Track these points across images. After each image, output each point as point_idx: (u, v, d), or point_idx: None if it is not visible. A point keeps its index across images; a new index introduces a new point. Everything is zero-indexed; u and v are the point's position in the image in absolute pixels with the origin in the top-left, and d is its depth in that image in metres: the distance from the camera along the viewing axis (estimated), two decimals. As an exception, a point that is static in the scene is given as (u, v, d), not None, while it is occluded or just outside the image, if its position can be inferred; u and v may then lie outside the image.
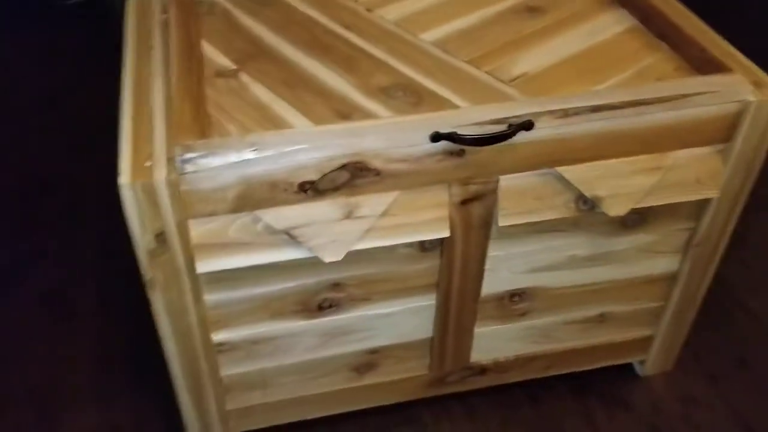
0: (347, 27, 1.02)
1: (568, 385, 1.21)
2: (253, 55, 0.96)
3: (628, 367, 1.23)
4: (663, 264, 1.05)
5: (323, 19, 1.04)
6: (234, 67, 0.94)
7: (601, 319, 1.11)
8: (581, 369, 1.18)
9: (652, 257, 1.04)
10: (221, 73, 0.93)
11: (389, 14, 1.06)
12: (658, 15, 1.01)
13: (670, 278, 1.08)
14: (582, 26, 1.02)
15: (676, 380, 1.22)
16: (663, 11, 1.02)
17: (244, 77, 0.92)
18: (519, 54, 0.97)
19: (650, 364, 1.20)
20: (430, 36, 1.00)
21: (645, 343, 1.16)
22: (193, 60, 0.92)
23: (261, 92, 0.89)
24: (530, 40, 1.00)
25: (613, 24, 1.03)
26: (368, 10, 1.07)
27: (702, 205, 0.98)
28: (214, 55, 0.96)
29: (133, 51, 0.97)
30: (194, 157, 0.76)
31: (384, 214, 0.86)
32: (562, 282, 1.03)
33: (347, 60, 0.95)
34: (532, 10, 1.06)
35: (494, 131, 0.82)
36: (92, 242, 1.45)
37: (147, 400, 1.17)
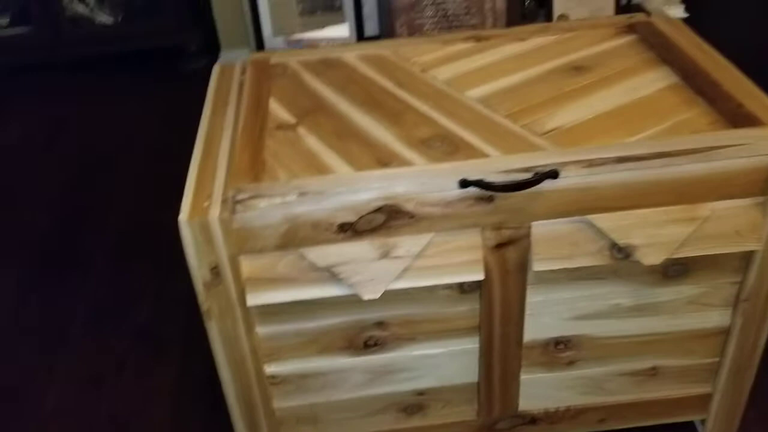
0: (400, 85, 1.11)
1: (625, 442, 1.19)
2: (312, 111, 1.06)
3: (690, 426, 1.20)
4: (714, 318, 1.04)
5: (380, 79, 1.13)
6: (294, 121, 1.04)
7: (654, 372, 1.09)
8: (636, 425, 1.16)
9: (701, 310, 1.03)
10: (281, 126, 1.03)
11: (442, 74, 1.14)
12: (699, 72, 1.03)
13: (723, 333, 1.05)
14: (624, 83, 1.06)
15: (742, 444, 1.17)
16: (704, 68, 1.04)
17: (301, 130, 1.02)
18: (557, 109, 1.01)
19: (712, 424, 1.16)
20: (475, 93, 1.07)
21: (703, 401, 1.13)
22: (258, 114, 1.03)
23: (313, 143, 0.99)
24: (571, 96, 1.04)
25: (656, 81, 1.06)
26: (423, 70, 1.15)
27: (747, 258, 0.97)
28: (278, 110, 1.07)
29: (210, 106, 1.10)
30: (245, 198, 0.86)
31: (419, 255, 0.91)
32: (607, 331, 1.04)
33: (395, 114, 1.04)
34: (578, 69, 1.11)
35: (520, 179, 0.86)
36: (186, 282, 1.59)
37: (215, 428, 1.26)
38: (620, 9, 2.34)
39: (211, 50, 2.72)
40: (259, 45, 2.53)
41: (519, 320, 1.01)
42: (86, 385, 1.38)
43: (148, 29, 2.68)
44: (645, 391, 1.11)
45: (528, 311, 1.00)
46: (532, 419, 1.13)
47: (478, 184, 0.86)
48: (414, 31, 2.34)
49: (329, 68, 1.19)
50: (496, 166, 0.87)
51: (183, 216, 0.86)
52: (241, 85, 1.16)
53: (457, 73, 1.13)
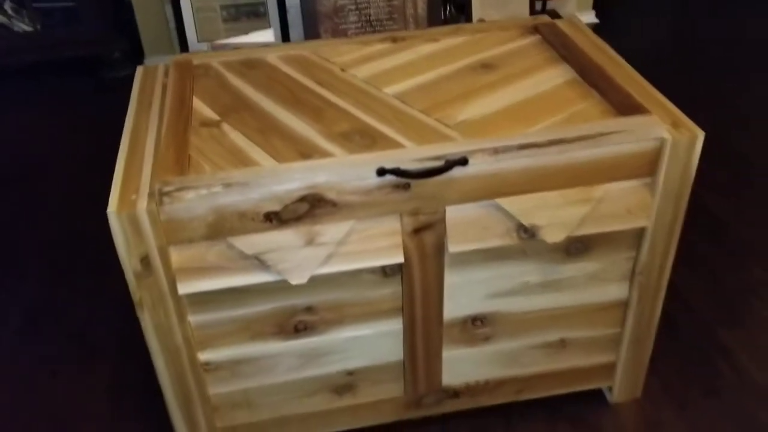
0: (321, 84, 1.17)
1: (542, 411, 1.28)
2: (236, 109, 1.11)
3: (600, 395, 1.30)
4: (613, 291, 1.14)
5: (301, 78, 1.19)
6: (217, 118, 1.09)
7: (563, 344, 1.19)
8: (550, 394, 1.25)
9: (601, 284, 1.12)
10: (205, 123, 1.08)
11: (360, 73, 1.20)
12: (594, 68, 1.13)
13: (622, 305, 1.16)
14: (527, 80, 1.15)
15: (645, 408, 1.28)
16: (599, 64, 1.14)
17: (225, 126, 1.07)
18: (467, 104, 1.09)
19: (617, 390, 1.26)
20: (392, 90, 1.14)
21: (608, 369, 1.23)
22: (182, 112, 1.07)
23: (237, 138, 1.04)
24: (479, 92, 1.13)
25: (555, 77, 1.15)
26: (342, 69, 1.22)
27: (639, 234, 1.07)
28: (202, 108, 1.12)
29: (135, 106, 1.13)
30: (171, 191, 0.90)
31: (342, 241, 0.98)
32: (519, 307, 1.13)
33: (316, 111, 1.10)
34: (486, 67, 1.20)
35: (433, 166, 0.94)
36: (120, 286, 1.60)
37: (152, 422, 1.29)
38: (535, 15, 2.47)
39: (135, 58, 2.72)
40: (184, 51, 2.54)
41: (438, 300, 1.08)
42: (22, 386, 1.38)
43: (69, 37, 2.64)
44: (556, 362, 1.21)
45: (446, 291, 1.08)
46: (455, 393, 1.21)
47: (395, 172, 0.93)
48: (338, 36, 2.40)
49: (251, 68, 1.24)
50: (410, 156, 0.94)
51: (111, 209, 0.90)
52: (164, 86, 1.19)
53: (375, 72, 1.20)
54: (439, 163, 0.94)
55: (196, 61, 1.25)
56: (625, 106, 1.04)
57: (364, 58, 1.25)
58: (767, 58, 2.48)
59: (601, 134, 0.97)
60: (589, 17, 2.86)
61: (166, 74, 1.23)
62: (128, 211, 0.90)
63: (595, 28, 2.75)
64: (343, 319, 1.08)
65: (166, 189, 0.90)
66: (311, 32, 2.40)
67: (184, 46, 2.54)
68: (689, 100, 2.15)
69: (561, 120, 1.04)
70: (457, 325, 1.12)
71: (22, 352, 1.46)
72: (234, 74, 1.22)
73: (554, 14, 2.46)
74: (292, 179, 0.92)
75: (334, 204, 0.95)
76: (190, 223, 0.92)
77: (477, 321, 1.13)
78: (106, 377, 1.39)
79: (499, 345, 1.16)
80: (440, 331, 1.12)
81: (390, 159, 0.94)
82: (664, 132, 0.99)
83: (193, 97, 1.15)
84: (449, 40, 1.30)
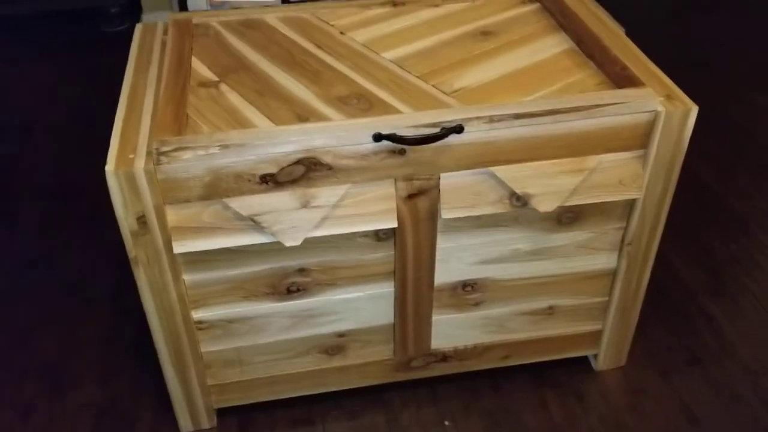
0: (320, 46, 1.17)
1: (528, 376, 1.31)
2: (234, 69, 1.11)
3: (585, 361, 1.33)
4: (601, 261, 1.16)
5: (300, 40, 1.19)
6: (216, 79, 1.09)
7: (551, 311, 1.21)
8: (537, 360, 1.28)
9: (590, 254, 1.14)
10: (204, 84, 1.08)
11: (359, 36, 1.20)
12: (591, 37, 1.13)
13: (610, 275, 1.18)
14: (525, 48, 1.15)
15: (629, 374, 1.31)
16: (596, 34, 1.14)
17: (223, 87, 1.07)
18: (465, 70, 1.10)
19: (602, 358, 1.29)
20: (390, 55, 1.14)
21: (594, 337, 1.26)
22: (181, 72, 1.07)
23: (235, 99, 1.04)
24: (478, 59, 1.13)
25: (553, 46, 1.15)
26: (341, 33, 1.21)
27: (630, 205, 1.09)
28: (200, 68, 1.12)
29: (133, 65, 1.13)
30: (168, 150, 0.91)
31: (337, 204, 0.99)
32: (509, 274, 1.15)
33: (314, 73, 1.10)
34: (486, 34, 1.20)
35: (429, 133, 0.94)
36: (114, 238, 1.61)
37: (145, 377, 1.31)
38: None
39: (133, 12, 2.69)
40: (183, 8, 2.52)
41: (430, 265, 1.10)
42: (15, 336, 1.40)
43: (65, -11, 2.61)
44: (543, 329, 1.23)
45: (438, 257, 1.10)
46: (444, 357, 1.23)
47: (391, 138, 0.94)
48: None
49: (251, 29, 1.23)
50: (407, 122, 0.95)
51: (109, 167, 0.90)
52: (163, 44, 1.19)
53: (374, 36, 1.20)
54: (435, 130, 0.95)
55: (195, 20, 1.25)
56: (620, 77, 1.04)
57: (364, 21, 1.24)
58: (768, 32, 2.47)
59: (596, 106, 0.97)
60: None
61: (165, 32, 1.22)
62: (126, 169, 0.90)
63: (598, -4, 2.72)
64: (336, 281, 1.10)
65: (164, 149, 0.91)
66: (311, -8, 2.37)
67: (182, 3, 2.51)
68: (686, 70, 2.15)
69: (557, 90, 1.04)
70: (447, 289, 1.14)
71: (16, 302, 1.48)
72: (233, 34, 1.21)
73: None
74: (289, 142, 0.93)
75: (329, 168, 0.96)
76: (187, 182, 0.93)
77: (467, 286, 1.15)
78: (100, 329, 1.42)
79: (488, 310, 1.18)
80: (431, 295, 1.14)
81: (386, 125, 0.95)
82: (658, 105, 0.99)
83: (192, 56, 1.15)
84: (450, 5, 1.29)
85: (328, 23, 1.24)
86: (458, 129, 0.95)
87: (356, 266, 1.08)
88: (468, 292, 1.15)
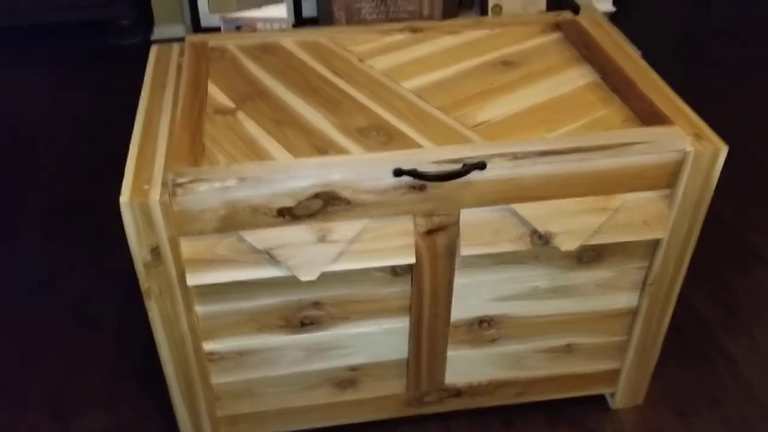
0: (338, 74, 1.15)
1: (542, 413, 1.27)
2: (251, 96, 1.09)
3: (601, 399, 1.30)
4: (623, 300, 1.13)
5: (318, 66, 1.17)
6: (233, 106, 1.07)
7: (569, 349, 1.18)
8: (552, 397, 1.25)
9: (611, 292, 1.12)
10: (220, 111, 1.06)
11: (378, 64, 1.18)
12: (616, 71, 1.11)
13: (631, 314, 1.15)
14: (548, 80, 1.13)
15: (646, 415, 1.28)
16: (621, 67, 1.12)
17: (240, 115, 1.05)
18: (486, 103, 1.07)
19: (619, 397, 1.26)
20: (410, 84, 1.12)
21: (612, 375, 1.23)
22: (197, 98, 1.05)
23: (252, 128, 1.02)
24: (499, 91, 1.11)
25: (576, 78, 1.13)
26: (360, 60, 1.19)
27: (653, 245, 1.06)
28: (217, 94, 1.10)
29: (149, 88, 1.11)
30: (185, 182, 0.88)
31: (355, 239, 0.96)
32: (527, 311, 1.12)
33: (332, 102, 1.08)
34: (507, 64, 1.17)
35: (450, 169, 0.92)
36: (119, 259, 1.59)
37: (150, 405, 1.29)
38: (552, 1, 2.43)
39: (144, 25, 2.68)
40: (195, 22, 2.51)
41: (447, 301, 1.07)
42: (19, 360, 1.37)
43: (77, 0, 2.60)
44: (560, 367, 1.20)
45: (455, 293, 1.07)
46: (457, 392, 1.20)
47: (412, 173, 0.91)
48: (352, 14, 2.37)
49: (267, 53, 1.21)
50: (428, 157, 0.93)
51: (124, 198, 0.88)
52: (179, 67, 1.17)
53: (393, 64, 1.18)
54: (457, 167, 0.92)
55: (211, 43, 1.23)
56: (647, 114, 1.02)
57: (383, 48, 1.22)
58: (785, 60, 2.45)
59: (623, 144, 0.95)
60: (606, 5, 2.82)
61: (181, 54, 1.21)
62: (140, 200, 0.88)
63: (612, 17, 2.71)
64: (350, 315, 1.07)
65: (180, 180, 0.89)
66: (324, 9, 2.37)
67: (195, 17, 2.50)
68: (702, 96, 2.12)
69: (582, 126, 1.02)
70: (463, 325, 1.12)
71: (18, 324, 1.45)
72: (250, 59, 1.19)
73: (570, 2, 2.42)
74: (307, 176, 0.91)
75: (348, 202, 0.93)
76: (202, 215, 0.91)
77: (484, 323, 1.12)
78: (105, 352, 1.39)
79: (504, 347, 1.16)
80: (446, 331, 1.11)
81: (407, 159, 0.93)
82: (687, 144, 0.97)
83: (209, 81, 1.13)
84: (469, 33, 1.27)
85: (346, 49, 1.22)
86: (481, 166, 0.93)
87: (371, 301, 1.06)
88: (485, 329, 1.13)
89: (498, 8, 2.39)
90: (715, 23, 2.69)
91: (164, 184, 0.90)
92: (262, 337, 1.06)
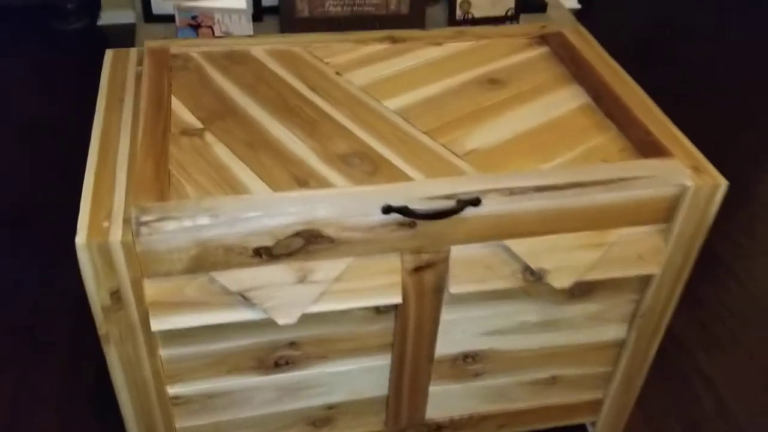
0: (314, 89, 1.06)
1: (521, 442, 1.23)
2: (220, 114, 0.99)
3: (581, 428, 1.26)
4: (611, 332, 1.08)
5: (292, 80, 1.08)
6: (200, 126, 0.97)
7: (553, 381, 1.14)
8: (534, 428, 1.20)
9: (600, 325, 1.07)
10: (186, 132, 0.96)
11: (357, 78, 1.09)
12: (609, 94, 1.06)
13: (618, 345, 1.11)
14: (538, 101, 1.07)
15: (626, 442, 1.25)
16: (614, 91, 1.06)
17: (209, 137, 0.95)
18: (475, 127, 1.00)
19: (601, 425, 1.22)
20: (393, 104, 1.04)
21: (595, 405, 1.19)
22: (160, 116, 0.95)
23: (223, 153, 0.93)
24: (488, 112, 1.04)
25: (568, 100, 1.07)
26: (337, 73, 1.10)
27: (646, 279, 1.02)
28: (182, 112, 1.00)
29: (104, 102, 1.00)
30: (150, 221, 0.79)
31: (337, 279, 0.88)
32: (514, 345, 1.06)
33: (310, 123, 0.99)
34: (494, 82, 1.11)
35: (443, 207, 0.85)
36: (68, 275, 1.47)
37: (104, 443, 1.19)
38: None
39: (91, 9, 2.52)
40: (146, 8, 2.36)
41: (431, 337, 1.01)
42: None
43: (17, -18, 2.43)
44: (543, 398, 1.16)
45: (441, 328, 1.00)
46: (437, 427, 1.14)
47: (402, 211, 0.84)
48: (315, 6, 2.26)
49: (236, 63, 1.11)
50: (419, 192, 0.85)
51: (80, 239, 0.78)
52: (138, 76, 1.07)
53: (372, 79, 1.10)
54: (450, 204, 0.85)
55: (173, 50, 1.12)
56: (644, 144, 0.97)
57: (361, 60, 1.14)
58: (755, 51, 2.45)
59: (623, 179, 0.89)
60: (572, 2, 2.78)
61: (139, 62, 1.10)
62: (99, 241, 0.78)
63: (577, 14, 2.67)
64: (328, 354, 0.99)
65: (145, 218, 0.79)
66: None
67: (146, 4, 2.35)
68: (664, 95, 2.10)
69: (578, 156, 0.96)
70: (447, 361, 1.05)
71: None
72: (216, 69, 1.09)
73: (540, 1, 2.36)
74: (288, 212, 0.82)
75: (331, 240, 0.85)
76: (169, 255, 0.82)
77: (468, 357, 1.06)
78: (57, 378, 1.28)
79: (488, 381, 1.10)
80: (429, 367, 1.05)
81: (396, 194, 0.85)
82: (687, 179, 0.92)
83: (172, 95, 1.02)
84: (452, 44, 1.20)
85: (322, 60, 1.13)
86: (475, 202, 0.86)
87: (351, 339, 0.99)
88: (469, 363, 1.07)
89: (467, 4, 2.32)
90: (680, 20, 2.68)
91: (126, 221, 0.81)
92: (233, 378, 0.98)
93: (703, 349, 1.42)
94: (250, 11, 2.29)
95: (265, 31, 1.93)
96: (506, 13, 2.00)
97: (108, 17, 2.55)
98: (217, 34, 2.14)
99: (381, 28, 1.87)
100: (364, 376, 1.03)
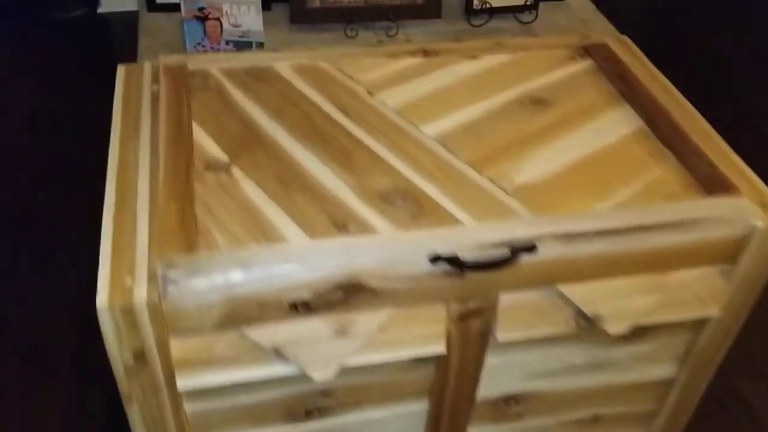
0: (346, 112, 0.98)
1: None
2: (247, 144, 0.91)
3: (619, 460, 1.20)
4: (660, 371, 1.02)
5: (321, 101, 1.00)
6: (226, 159, 0.89)
7: (595, 420, 1.07)
8: (571, 465, 1.14)
9: (650, 364, 1.00)
10: (211, 166, 0.88)
11: (390, 99, 1.01)
12: (663, 117, 0.98)
13: (667, 384, 1.04)
14: (587, 125, 0.99)
15: (667, 476, 1.19)
16: (669, 113, 0.98)
17: (236, 171, 0.87)
18: (521, 157, 0.93)
19: (642, 460, 1.17)
20: (431, 129, 0.96)
21: (637, 442, 1.13)
22: (182, 149, 0.88)
23: (252, 191, 0.85)
24: (533, 139, 0.96)
25: (620, 124, 0.99)
26: (369, 93, 1.02)
27: (703, 320, 0.95)
28: (205, 141, 0.92)
29: (119, 131, 0.92)
30: (178, 277, 0.72)
31: (378, 330, 0.81)
32: (558, 387, 1.00)
33: (344, 154, 0.91)
34: (537, 103, 1.03)
35: (497, 256, 0.78)
36: (71, 286, 1.40)
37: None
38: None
39: (90, -1, 2.41)
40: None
41: (474, 382, 0.94)
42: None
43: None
44: (584, 436, 1.10)
45: (484, 373, 0.94)
46: (473, 466, 1.08)
47: (452, 261, 0.77)
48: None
49: (259, 81, 1.03)
50: (469, 239, 0.78)
51: (101, 300, 0.71)
52: (154, 97, 0.98)
53: (407, 99, 1.01)
54: (504, 252, 0.78)
55: (191, 66, 1.04)
56: (708, 178, 0.89)
57: (393, 77, 1.06)
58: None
59: (690, 221, 0.82)
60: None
61: (155, 79, 1.01)
62: (123, 302, 0.71)
63: None
64: (362, 402, 0.93)
65: (172, 275, 0.72)
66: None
67: (148, -7, 2.24)
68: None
69: (638, 193, 0.88)
70: (489, 404, 0.99)
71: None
72: (238, 88, 1.01)
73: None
74: (327, 264, 0.75)
75: (374, 292, 0.78)
76: (198, 313, 0.74)
77: (511, 400, 1.00)
78: (62, 401, 1.22)
79: (529, 422, 1.04)
80: (469, 411, 0.98)
81: (444, 241, 0.78)
82: (758, 219, 0.85)
83: (193, 121, 0.94)
84: (489, 57, 1.11)
85: (351, 78, 1.05)
86: (531, 248, 0.79)
87: (388, 387, 0.92)
88: (511, 406, 1.00)
89: (484, -5, 2.21)
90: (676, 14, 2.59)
91: (151, 278, 0.73)
92: (261, 429, 0.91)
93: (744, 377, 1.36)
94: (260, 2, 2.19)
95: (273, 21, 1.82)
96: (525, 2, 1.89)
97: (108, 4, 2.45)
98: (225, 26, 2.04)
99: (396, 19, 1.77)
100: (399, 421, 0.97)
